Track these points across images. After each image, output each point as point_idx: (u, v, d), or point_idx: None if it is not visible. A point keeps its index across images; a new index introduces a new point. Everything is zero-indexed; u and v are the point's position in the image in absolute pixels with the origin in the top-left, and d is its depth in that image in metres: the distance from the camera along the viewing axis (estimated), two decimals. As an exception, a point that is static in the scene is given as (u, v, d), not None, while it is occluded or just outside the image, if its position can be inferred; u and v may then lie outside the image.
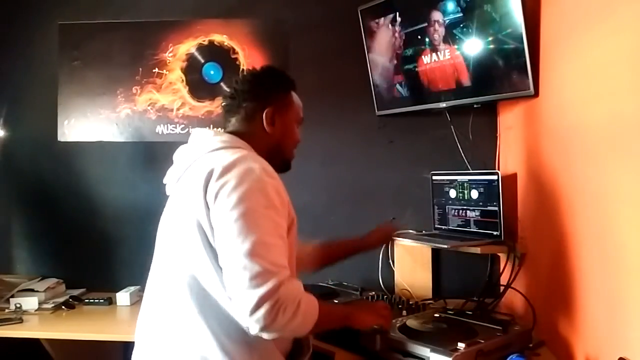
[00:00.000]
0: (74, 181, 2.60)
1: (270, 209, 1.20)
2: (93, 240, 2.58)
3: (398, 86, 2.35)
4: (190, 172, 1.30)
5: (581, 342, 1.49)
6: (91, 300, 2.37)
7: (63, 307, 2.31)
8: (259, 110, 1.41)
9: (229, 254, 1.15)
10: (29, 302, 2.26)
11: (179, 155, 1.39)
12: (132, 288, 2.39)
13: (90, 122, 2.60)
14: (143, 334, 1.33)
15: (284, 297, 1.13)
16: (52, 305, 2.29)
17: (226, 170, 1.21)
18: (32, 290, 2.33)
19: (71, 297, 2.38)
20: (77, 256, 2.59)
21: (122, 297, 2.35)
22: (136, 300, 2.37)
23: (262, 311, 1.11)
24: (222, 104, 1.48)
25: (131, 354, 1.34)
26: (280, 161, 1.43)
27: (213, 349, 1.19)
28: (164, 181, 1.42)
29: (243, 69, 2.21)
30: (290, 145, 1.48)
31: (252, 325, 1.12)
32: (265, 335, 1.15)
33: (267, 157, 1.33)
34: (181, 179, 1.33)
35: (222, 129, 1.46)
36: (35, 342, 2.17)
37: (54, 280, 2.45)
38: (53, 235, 2.62)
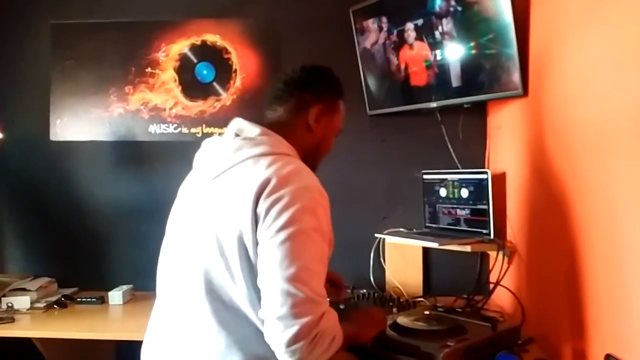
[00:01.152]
0: (66, 180, 2.60)
1: (318, 233, 1.14)
2: (85, 239, 2.57)
3: (389, 86, 2.37)
4: (236, 174, 1.20)
5: (569, 338, 1.51)
6: (83, 299, 2.37)
7: (55, 306, 2.30)
8: (309, 104, 1.33)
9: (272, 276, 1.08)
10: (21, 302, 2.25)
11: (218, 148, 1.27)
12: (125, 287, 2.38)
13: (82, 121, 2.59)
14: (156, 335, 1.28)
15: (323, 330, 1.08)
16: (44, 304, 2.28)
17: (282, 184, 1.13)
18: (24, 289, 2.32)
19: (63, 296, 2.37)
20: (69, 255, 2.58)
21: (115, 296, 2.34)
22: (128, 299, 2.37)
23: (300, 344, 1.05)
24: (272, 89, 1.37)
25: (123, 352, 1.33)
26: (311, 165, 1.28)
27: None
28: (197, 168, 1.32)
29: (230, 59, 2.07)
30: (325, 151, 1.41)
31: (286, 355, 1.07)
32: None
33: (302, 157, 1.28)
34: (220, 178, 1.22)
35: (265, 114, 1.37)
36: (27, 342, 2.16)
37: (46, 279, 2.44)
38: (45, 234, 2.61)
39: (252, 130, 1.26)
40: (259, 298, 1.13)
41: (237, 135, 1.28)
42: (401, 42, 2.27)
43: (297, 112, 1.33)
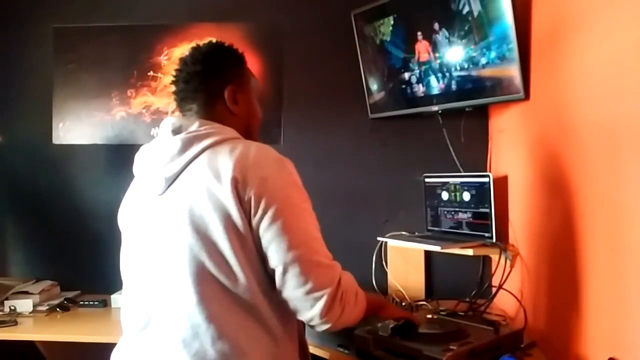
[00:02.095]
0: (68, 184, 2.60)
1: (307, 202, 1.18)
2: (87, 242, 2.57)
3: (391, 89, 2.37)
4: (198, 169, 1.15)
5: (572, 342, 1.50)
6: (86, 303, 2.37)
7: (58, 309, 2.31)
8: (220, 89, 1.28)
9: (286, 258, 1.11)
10: (24, 305, 2.26)
11: (163, 149, 1.21)
12: (127, 290, 2.38)
13: (84, 124, 2.60)
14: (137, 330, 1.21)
15: (345, 289, 1.16)
16: (47, 307, 2.29)
17: (257, 167, 1.12)
18: (26, 292, 2.32)
19: (66, 299, 2.38)
20: (71, 258, 2.59)
21: (117, 299, 2.34)
22: (131, 303, 2.36)
23: (333, 310, 1.13)
24: (176, 91, 1.30)
25: None
26: (253, 140, 1.26)
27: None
28: (145, 175, 1.26)
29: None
30: (257, 124, 1.37)
31: (323, 324, 1.15)
32: (330, 329, 1.17)
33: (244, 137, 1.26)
34: (181, 177, 1.17)
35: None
36: (29, 345, 2.17)
37: (49, 282, 2.44)
38: (47, 238, 2.61)
39: (192, 124, 1.21)
40: (259, 283, 1.13)
41: (175, 133, 1.21)
42: (402, 45, 2.26)
43: (212, 103, 1.28)
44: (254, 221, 1.11)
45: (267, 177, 1.13)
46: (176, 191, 1.17)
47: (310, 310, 1.13)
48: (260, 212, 1.11)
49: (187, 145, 1.18)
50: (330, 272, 1.15)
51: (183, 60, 1.31)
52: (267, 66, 2.52)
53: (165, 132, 1.23)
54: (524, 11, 1.86)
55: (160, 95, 2.57)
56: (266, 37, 2.53)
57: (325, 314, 1.12)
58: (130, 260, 1.29)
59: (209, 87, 1.28)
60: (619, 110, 1.23)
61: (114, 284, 2.44)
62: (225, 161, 1.13)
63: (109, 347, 2.25)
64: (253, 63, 2.51)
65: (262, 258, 1.13)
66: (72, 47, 2.60)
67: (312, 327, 1.18)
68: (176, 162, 1.18)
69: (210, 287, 1.11)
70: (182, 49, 2.55)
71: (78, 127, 2.61)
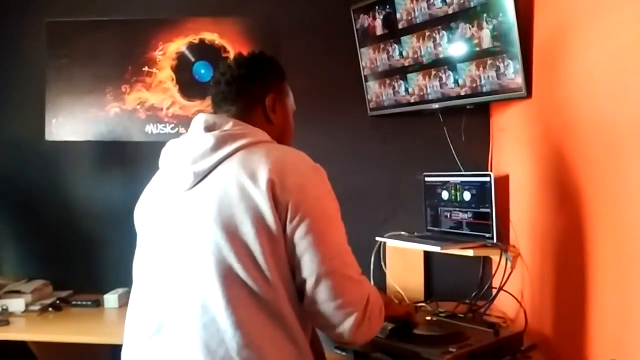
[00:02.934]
0: (61, 181, 2.57)
1: (339, 212, 1.18)
2: (81, 241, 2.54)
3: (390, 86, 2.33)
4: (231, 168, 1.12)
5: (572, 345, 1.48)
6: (78, 302, 2.34)
7: (50, 309, 2.28)
8: (261, 97, 1.29)
9: (319, 269, 1.09)
10: (16, 304, 2.23)
11: (195, 145, 1.17)
12: (120, 290, 2.36)
13: (78, 121, 2.56)
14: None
15: (372, 305, 1.15)
16: (39, 307, 2.25)
17: (294, 172, 1.12)
18: (18, 291, 2.29)
19: (58, 299, 2.35)
20: (64, 257, 2.55)
21: (110, 299, 2.32)
22: (124, 303, 2.33)
23: (362, 327, 1.12)
24: (216, 92, 1.30)
25: (119, 356, 1.27)
26: None
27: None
28: (167, 177, 1.22)
29: (228, 57, 2.01)
30: (289, 140, 1.37)
31: (351, 339, 1.14)
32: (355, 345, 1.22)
33: None
34: (212, 175, 1.14)
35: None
36: (22, 345, 2.14)
37: (41, 281, 2.41)
38: (40, 236, 2.58)
39: (226, 123, 1.20)
40: (286, 290, 1.11)
41: (207, 130, 1.19)
42: (401, 40, 2.23)
43: (251, 108, 1.28)
44: (289, 227, 1.09)
45: (305, 184, 1.12)
46: (205, 188, 1.14)
47: (340, 326, 1.11)
48: (297, 219, 1.09)
49: (221, 142, 1.16)
50: (360, 289, 1.14)
51: (227, 64, 1.31)
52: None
53: (197, 129, 1.21)
54: (527, 9, 1.83)
55: (155, 91, 2.53)
56: (263, 32, 2.49)
57: (355, 331, 1.11)
58: (146, 259, 1.23)
59: (251, 91, 1.29)
60: (621, 108, 1.22)
61: (107, 284, 2.43)
62: (261, 162, 1.11)
63: (101, 348, 2.24)
64: (250, 59, 2.48)
65: (291, 265, 1.11)
66: (65, 42, 2.56)
67: (342, 343, 1.21)
68: (208, 159, 1.15)
69: (238, 291, 1.07)
70: (178, 44, 2.52)
71: (71, 123, 2.57)
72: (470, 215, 2.11)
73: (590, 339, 1.38)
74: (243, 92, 1.28)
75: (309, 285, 1.10)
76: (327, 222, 1.14)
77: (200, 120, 1.22)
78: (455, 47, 2.05)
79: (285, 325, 1.10)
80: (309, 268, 1.09)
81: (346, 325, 1.11)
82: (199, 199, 1.13)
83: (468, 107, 2.16)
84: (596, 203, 1.35)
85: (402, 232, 2.34)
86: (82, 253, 2.54)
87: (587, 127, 1.41)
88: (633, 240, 1.16)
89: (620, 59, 1.23)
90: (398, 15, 2.21)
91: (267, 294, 1.08)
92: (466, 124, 2.34)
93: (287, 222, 1.09)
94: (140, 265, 1.25)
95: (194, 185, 1.15)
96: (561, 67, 1.59)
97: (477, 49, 1.97)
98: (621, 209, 1.22)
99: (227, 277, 1.07)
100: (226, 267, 1.07)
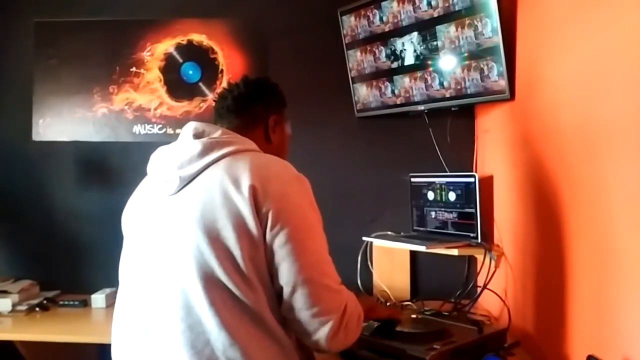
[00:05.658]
0: (48, 181, 2.56)
1: (320, 223, 1.20)
2: (68, 241, 2.53)
3: (377, 88, 2.36)
4: (215, 173, 1.15)
5: (553, 341, 1.51)
6: (66, 302, 2.33)
7: (37, 309, 2.26)
8: (263, 117, 1.36)
9: (297, 277, 1.10)
10: (2, 304, 2.22)
11: (183, 151, 1.20)
12: (108, 290, 2.35)
13: (65, 121, 2.56)
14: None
15: (350, 314, 1.16)
16: (26, 307, 2.24)
17: (277, 181, 1.14)
18: (5, 292, 2.28)
19: (45, 299, 2.34)
20: (51, 258, 2.54)
21: (97, 299, 2.31)
22: (111, 302, 2.31)
23: (338, 335, 1.13)
24: (222, 105, 1.35)
25: (106, 356, 1.28)
26: None
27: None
28: (154, 182, 1.24)
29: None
30: (284, 159, 1.40)
31: (327, 347, 1.15)
32: (330, 352, 1.20)
33: None
34: (198, 179, 1.16)
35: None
36: (8, 345, 2.12)
37: (28, 281, 2.40)
38: (27, 236, 2.56)
39: (215, 131, 1.24)
40: (266, 295, 1.12)
41: (196, 137, 1.22)
42: (389, 43, 2.26)
43: (253, 125, 1.34)
44: (269, 235, 1.10)
45: (287, 193, 1.14)
46: (190, 192, 1.16)
47: (315, 334, 1.13)
48: (277, 227, 1.10)
49: (208, 149, 1.18)
50: (338, 298, 1.15)
51: (234, 83, 1.39)
52: (252, 63, 2.49)
53: (186, 136, 1.24)
54: (510, 13, 1.86)
55: (142, 91, 2.53)
56: (251, 33, 2.50)
57: (331, 339, 1.12)
58: (132, 262, 1.24)
59: (256, 110, 1.35)
60: (598, 113, 1.25)
61: (94, 284, 2.42)
62: (245, 169, 1.13)
63: (88, 347, 2.24)
64: (238, 60, 2.50)
65: (270, 272, 1.13)
66: (53, 42, 2.55)
67: (317, 351, 1.20)
68: (195, 164, 1.17)
69: (220, 294, 1.09)
70: (166, 45, 2.52)
71: (59, 123, 2.56)
72: (455, 215, 2.14)
73: (570, 334, 1.41)
74: (248, 109, 1.34)
75: (286, 292, 1.11)
76: (307, 231, 1.15)
77: (189, 128, 1.25)
78: (440, 50, 2.08)
79: (267, 327, 1.12)
80: (286, 276, 1.11)
81: (322, 333, 1.12)
82: (183, 203, 1.15)
83: (453, 109, 2.18)
84: (575, 204, 1.38)
85: (389, 232, 2.36)
86: (70, 253, 2.53)
87: (566, 130, 1.43)
88: (609, 240, 1.19)
89: (597, 64, 1.25)
90: (385, 18, 2.24)
91: (247, 297, 1.09)
92: (451, 126, 2.37)
93: (268, 230, 1.10)
94: (126, 267, 1.26)
95: (179, 190, 1.18)
96: (542, 71, 1.62)
97: (462, 52, 2.00)
98: (598, 210, 1.24)
99: (209, 280, 1.09)
100: (208, 270, 1.09)
